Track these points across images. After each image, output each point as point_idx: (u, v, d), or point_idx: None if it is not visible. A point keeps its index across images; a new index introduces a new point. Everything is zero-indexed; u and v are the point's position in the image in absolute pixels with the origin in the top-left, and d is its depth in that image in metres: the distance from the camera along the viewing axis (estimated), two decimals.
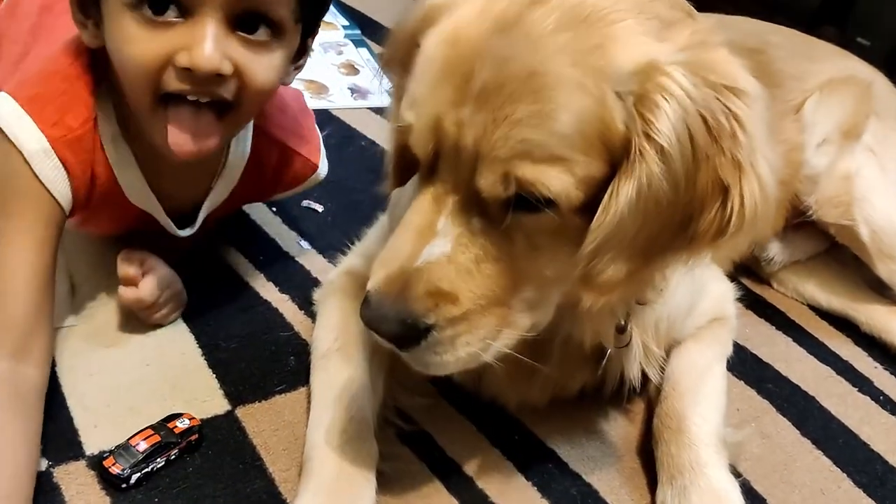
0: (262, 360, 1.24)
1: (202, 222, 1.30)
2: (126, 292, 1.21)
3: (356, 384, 1.11)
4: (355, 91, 2.11)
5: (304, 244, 1.51)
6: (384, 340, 0.90)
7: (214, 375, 1.21)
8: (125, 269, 1.21)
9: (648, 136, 0.80)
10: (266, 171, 1.31)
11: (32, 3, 1.29)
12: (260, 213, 1.56)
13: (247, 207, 1.54)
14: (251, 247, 1.48)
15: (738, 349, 1.40)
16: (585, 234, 0.85)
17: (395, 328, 0.87)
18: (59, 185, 1.10)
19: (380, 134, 1.89)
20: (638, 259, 0.88)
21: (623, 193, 0.81)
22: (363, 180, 1.65)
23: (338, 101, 2.05)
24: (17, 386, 1.02)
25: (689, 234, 0.87)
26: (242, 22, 1.03)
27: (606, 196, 0.83)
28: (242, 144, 1.26)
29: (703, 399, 1.17)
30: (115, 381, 1.18)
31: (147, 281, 1.22)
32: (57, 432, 1.09)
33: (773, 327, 1.53)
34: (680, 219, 0.86)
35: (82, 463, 1.06)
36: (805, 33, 1.72)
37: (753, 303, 1.57)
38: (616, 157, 0.83)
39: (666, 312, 1.16)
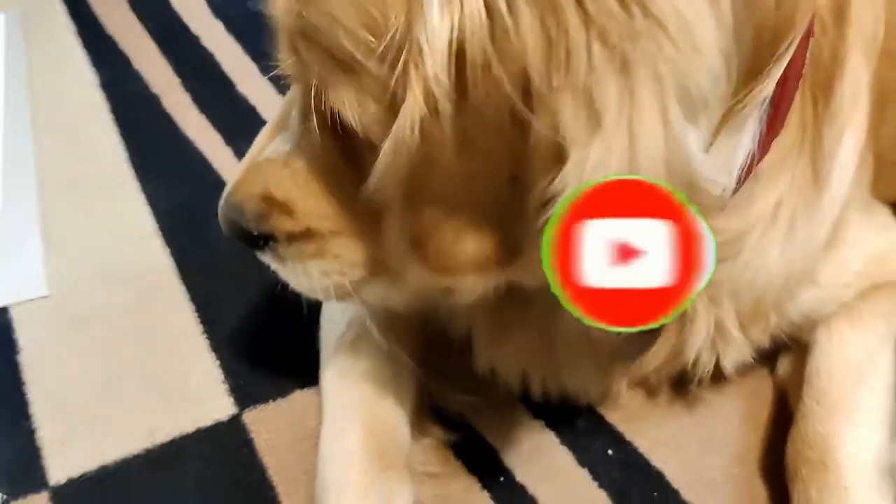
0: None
1: None
2: None
3: (379, 388, 0.85)
4: None
5: None
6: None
7: (218, 362, 0.95)
8: None
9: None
10: None
11: None
12: None
13: None
14: None
15: None
16: None
17: (230, 229, 0.74)
18: None
19: None
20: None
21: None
22: None
23: None
24: None
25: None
26: None
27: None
28: None
29: (861, 414, 0.82)
30: (92, 373, 0.94)
31: None
32: (15, 452, 0.87)
33: None
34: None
35: (45, 496, 0.83)
36: None
37: None
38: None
39: (751, 275, 0.78)
